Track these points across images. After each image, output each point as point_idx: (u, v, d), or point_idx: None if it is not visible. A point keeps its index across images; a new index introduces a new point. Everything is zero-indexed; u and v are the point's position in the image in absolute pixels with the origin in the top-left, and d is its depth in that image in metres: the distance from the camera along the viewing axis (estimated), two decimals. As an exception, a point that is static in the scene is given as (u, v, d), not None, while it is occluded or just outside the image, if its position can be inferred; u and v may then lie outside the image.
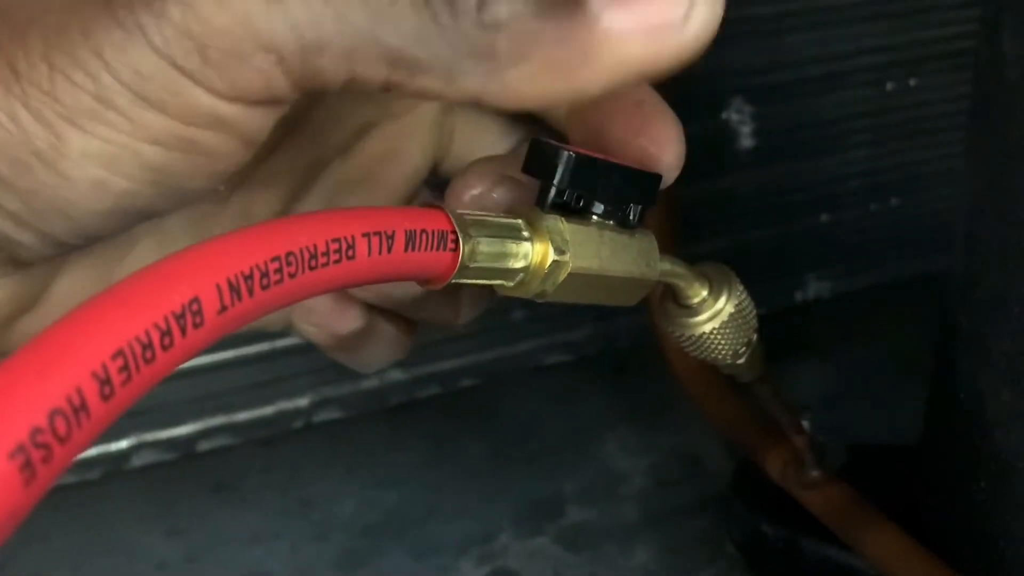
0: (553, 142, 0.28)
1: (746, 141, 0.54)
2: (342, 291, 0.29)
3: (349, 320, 0.30)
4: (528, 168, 0.28)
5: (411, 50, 0.19)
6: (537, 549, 0.46)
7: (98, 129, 0.19)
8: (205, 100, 0.19)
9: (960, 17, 0.57)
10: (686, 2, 0.19)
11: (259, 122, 0.21)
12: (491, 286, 0.27)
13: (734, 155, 0.54)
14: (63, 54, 0.19)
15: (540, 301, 0.28)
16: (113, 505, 0.48)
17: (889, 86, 0.57)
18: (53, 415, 0.13)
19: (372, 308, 0.30)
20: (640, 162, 0.28)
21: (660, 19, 0.19)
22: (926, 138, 0.59)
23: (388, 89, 0.20)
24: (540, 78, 0.20)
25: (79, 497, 0.48)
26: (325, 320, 0.30)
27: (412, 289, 0.28)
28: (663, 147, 0.26)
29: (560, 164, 0.27)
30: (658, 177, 0.28)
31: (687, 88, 0.52)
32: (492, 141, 0.31)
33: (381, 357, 0.32)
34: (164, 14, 0.19)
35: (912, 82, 0.58)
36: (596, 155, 0.28)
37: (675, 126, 0.27)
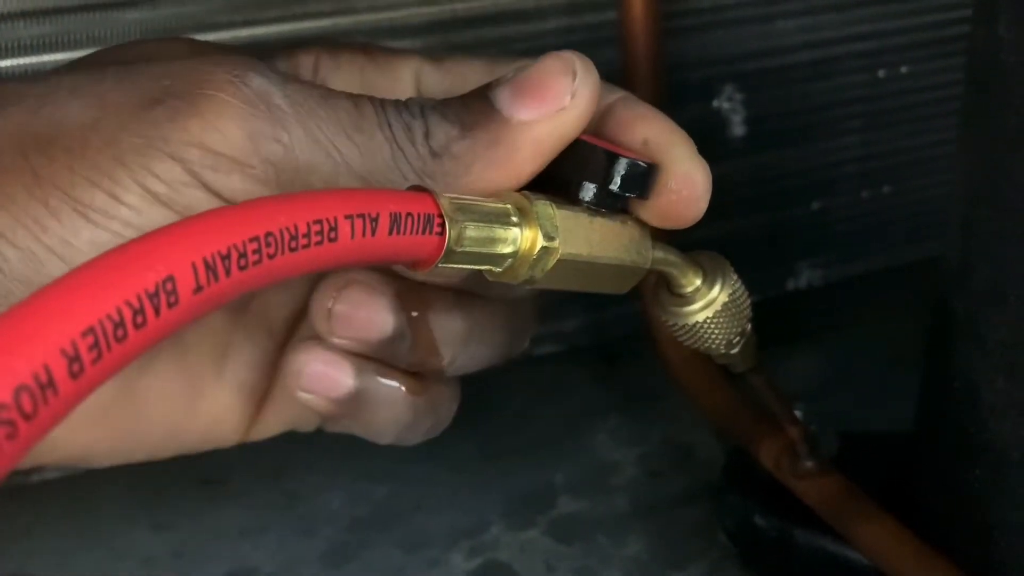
0: None
1: (737, 129, 0.54)
2: (331, 351, 0.30)
3: (341, 379, 0.30)
4: None
5: (383, 174, 0.25)
6: (528, 541, 0.45)
7: (110, 224, 0.23)
8: (204, 197, 0.23)
9: (952, 3, 0.56)
10: (569, 84, 0.25)
11: None
12: (479, 271, 0.26)
13: (725, 143, 0.54)
14: (84, 160, 0.23)
15: (529, 288, 0.28)
16: (98, 499, 0.48)
17: (881, 73, 0.57)
18: (18, 391, 0.13)
19: (364, 366, 0.31)
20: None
21: (555, 104, 0.25)
22: (918, 125, 0.59)
23: None
24: (485, 175, 0.25)
25: (63, 491, 0.47)
26: (314, 383, 0.30)
27: (378, 328, 0.29)
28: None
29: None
30: (654, 167, 0.28)
31: (678, 76, 0.52)
32: None
33: (390, 421, 0.32)
34: (186, 128, 0.23)
35: (904, 69, 0.57)
36: (597, 142, 0.28)
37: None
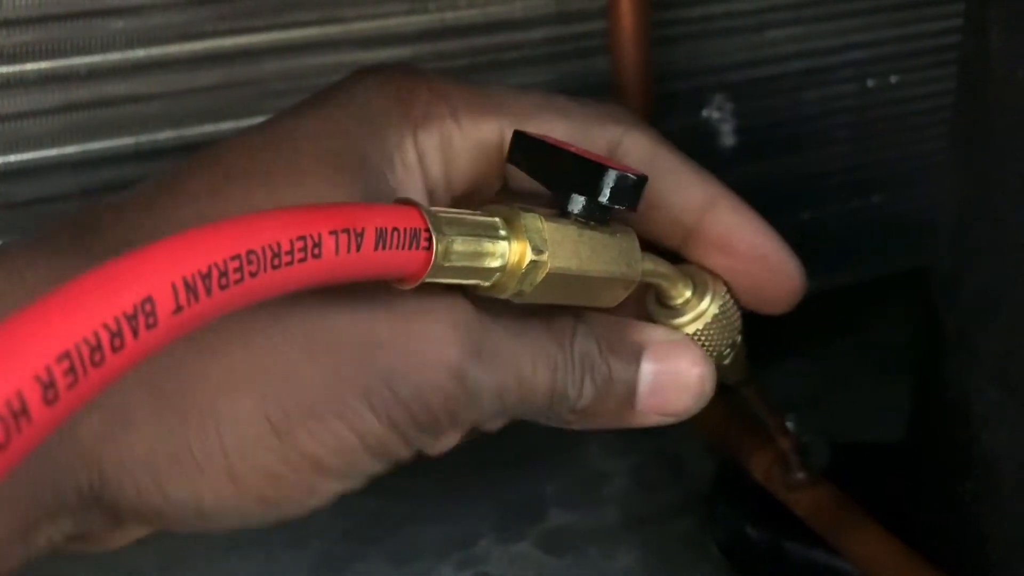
0: (537, 136, 0.28)
1: (727, 139, 0.54)
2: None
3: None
4: (513, 159, 0.28)
5: (531, 417, 0.29)
6: (519, 553, 0.45)
7: None
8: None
9: (942, 13, 0.56)
10: (699, 397, 0.30)
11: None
12: (467, 286, 0.26)
13: (715, 153, 0.54)
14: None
15: (518, 302, 0.28)
16: (84, 513, 0.47)
17: (871, 83, 0.57)
18: None
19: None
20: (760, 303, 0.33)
21: (681, 414, 0.30)
22: (908, 135, 0.59)
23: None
24: (591, 424, 0.30)
25: (49, 505, 0.47)
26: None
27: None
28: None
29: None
30: (643, 179, 0.28)
31: (668, 86, 0.51)
32: None
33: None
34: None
35: (894, 79, 0.57)
36: (582, 152, 0.27)
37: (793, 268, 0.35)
